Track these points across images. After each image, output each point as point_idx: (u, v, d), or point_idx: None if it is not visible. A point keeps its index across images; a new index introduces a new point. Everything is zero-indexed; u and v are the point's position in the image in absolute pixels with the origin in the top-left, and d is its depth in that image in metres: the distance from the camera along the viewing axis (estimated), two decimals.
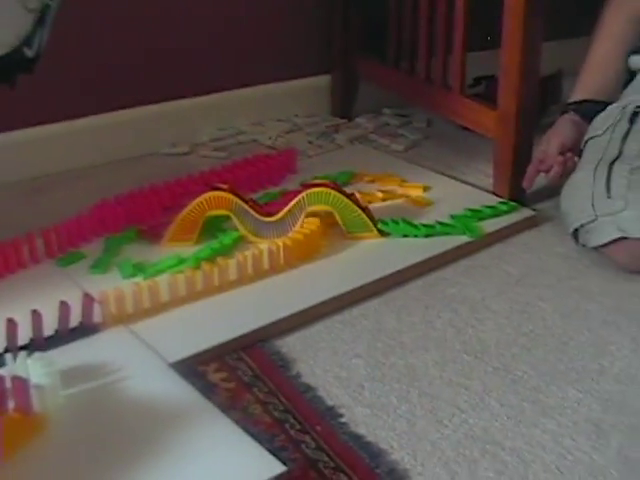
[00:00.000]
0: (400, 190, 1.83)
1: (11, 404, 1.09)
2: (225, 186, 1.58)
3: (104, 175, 1.96)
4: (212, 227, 1.61)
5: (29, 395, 1.10)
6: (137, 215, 1.66)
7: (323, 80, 2.35)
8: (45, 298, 1.38)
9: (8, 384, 1.08)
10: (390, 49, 2.15)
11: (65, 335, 1.30)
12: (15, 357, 1.19)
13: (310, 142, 2.17)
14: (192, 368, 1.25)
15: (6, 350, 1.24)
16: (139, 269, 1.49)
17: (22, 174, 1.93)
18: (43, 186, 1.90)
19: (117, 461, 1.06)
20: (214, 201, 1.57)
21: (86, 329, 1.32)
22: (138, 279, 1.46)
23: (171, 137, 2.13)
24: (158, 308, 1.38)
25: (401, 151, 2.13)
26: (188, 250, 1.55)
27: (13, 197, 1.85)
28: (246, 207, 1.57)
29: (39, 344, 1.26)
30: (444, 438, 1.13)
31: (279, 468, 1.04)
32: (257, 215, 1.58)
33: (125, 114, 2.05)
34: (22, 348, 1.24)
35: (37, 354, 1.19)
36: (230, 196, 1.56)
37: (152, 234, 1.61)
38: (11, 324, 1.25)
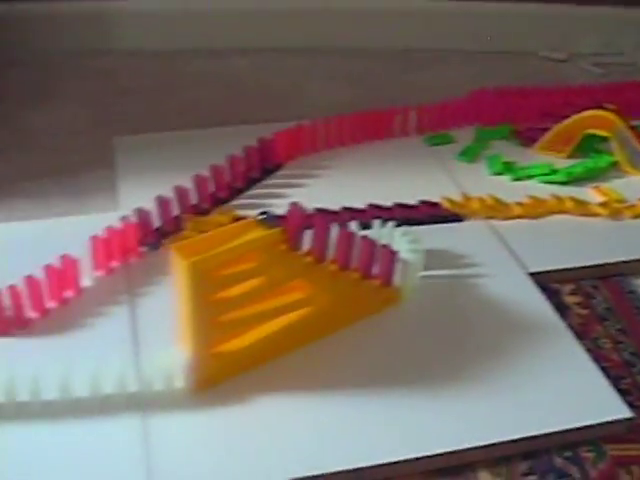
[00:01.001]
0: None
1: (375, 270, 1.10)
2: (613, 107, 1.51)
3: (478, 63, 1.94)
4: (586, 145, 1.54)
5: (394, 266, 1.11)
6: (514, 113, 1.62)
7: None
8: (410, 171, 1.39)
9: (378, 251, 1.09)
10: None
11: (430, 215, 1.30)
12: (382, 226, 1.19)
13: None
14: (546, 284, 1.22)
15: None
16: (508, 168, 1.46)
17: (398, 45, 1.94)
18: (421, 61, 1.90)
19: (458, 353, 1.07)
20: (598, 120, 1.50)
21: (451, 215, 1.32)
22: (506, 178, 1.44)
23: (552, 41, 2.06)
24: (524, 213, 1.35)
25: None
26: (559, 162, 1.50)
27: (389, 68, 1.86)
28: (629, 134, 1.50)
29: (406, 218, 1.27)
30: None
31: (625, 413, 1.00)
32: (638, 145, 1.50)
33: (515, 7, 2.00)
34: (390, 218, 1.24)
35: (404, 228, 1.20)
36: (616, 118, 1.49)
37: (525, 137, 1.57)
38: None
